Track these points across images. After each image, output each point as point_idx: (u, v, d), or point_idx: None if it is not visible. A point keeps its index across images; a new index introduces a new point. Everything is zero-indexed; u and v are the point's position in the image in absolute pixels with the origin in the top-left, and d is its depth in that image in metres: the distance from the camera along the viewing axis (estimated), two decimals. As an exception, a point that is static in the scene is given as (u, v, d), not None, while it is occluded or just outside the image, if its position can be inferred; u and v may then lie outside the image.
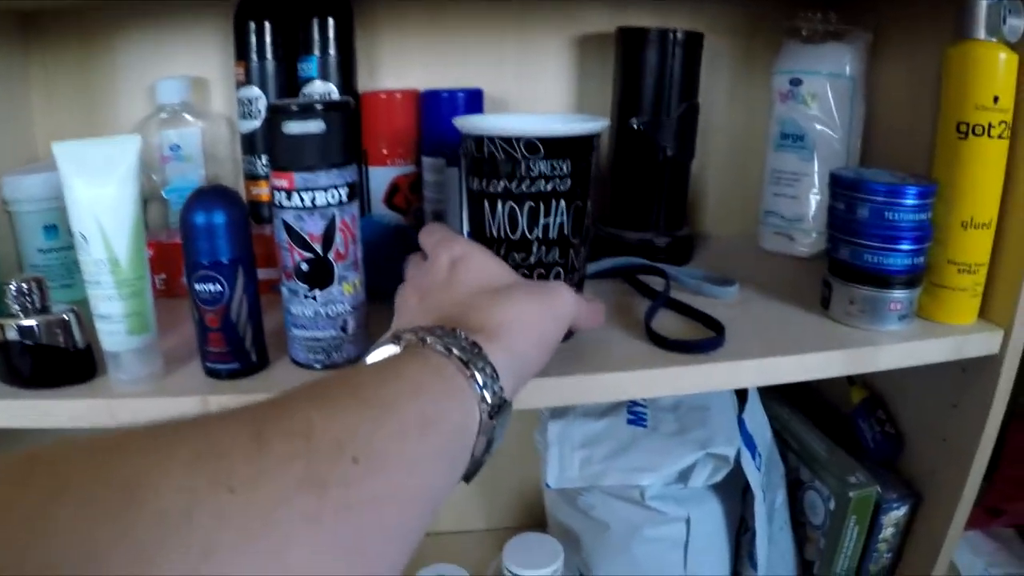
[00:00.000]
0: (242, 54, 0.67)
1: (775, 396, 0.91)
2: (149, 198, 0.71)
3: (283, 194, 0.49)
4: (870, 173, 0.63)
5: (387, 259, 0.63)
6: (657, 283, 0.67)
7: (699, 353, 0.54)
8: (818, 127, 0.76)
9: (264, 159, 0.68)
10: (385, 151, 0.64)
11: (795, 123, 0.77)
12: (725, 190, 0.89)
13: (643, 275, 0.69)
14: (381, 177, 0.65)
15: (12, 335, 0.50)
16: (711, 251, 0.84)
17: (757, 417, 0.75)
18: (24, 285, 0.50)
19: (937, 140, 0.61)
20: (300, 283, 0.51)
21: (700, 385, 0.54)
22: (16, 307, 0.50)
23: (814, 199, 0.77)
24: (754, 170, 0.84)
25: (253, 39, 0.67)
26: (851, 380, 0.87)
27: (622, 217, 0.78)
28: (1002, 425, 1.27)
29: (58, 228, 0.65)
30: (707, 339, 0.55)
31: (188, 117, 0.71)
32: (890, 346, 0.60)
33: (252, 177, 0.70)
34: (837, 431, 0.83)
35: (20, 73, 0.73)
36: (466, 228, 0.54)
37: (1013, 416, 1.17)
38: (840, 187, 0.62)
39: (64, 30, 0.73)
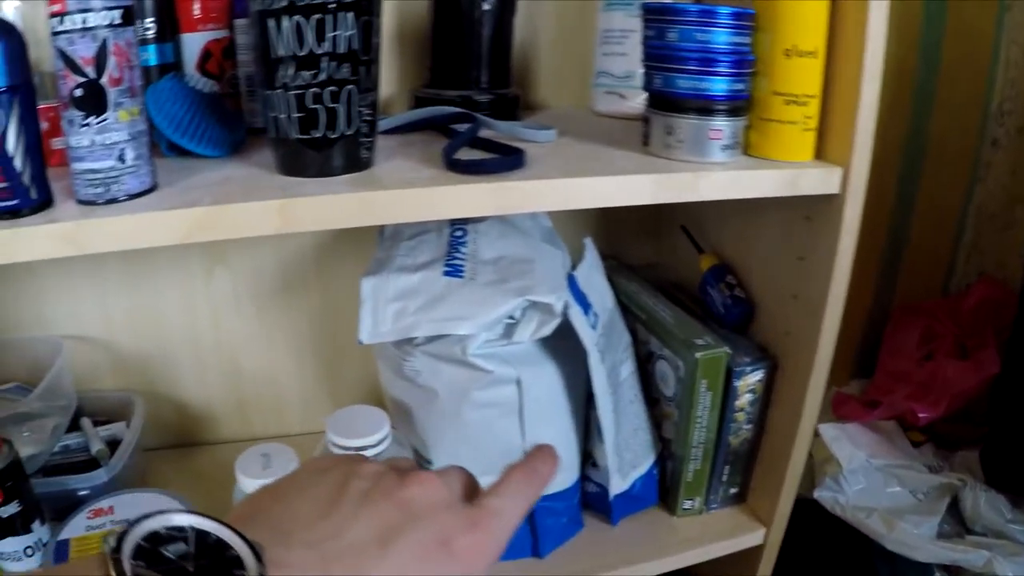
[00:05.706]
0: None
1: (625, 273, 0.93)
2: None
3: (56, 19, 0.48)
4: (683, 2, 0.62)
5: (194, 123, 0.62)
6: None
7: (493, 173, 0.54)
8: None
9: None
10: (198, 15, 0.64)
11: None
12: (558, 58, 0.88)
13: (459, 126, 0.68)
14: (194, 43, 0.64)
15: None
16: (543, 115, 0.83)
17: (595, 280, 0.75)
18: None
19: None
20: (75, 111, 0.50)
21: (497, 205, 0.54)
22: None
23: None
24: (587, 36, 0.82)
25: None
26: (700, 249, 0.88)
27: (443, 78, 0.76)
28: (881, 320, 1.29)
29: None
30: (501, 159, 0.55)
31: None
32: (712, 173, 0.59)
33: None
34: (692, 309, 0.84)
35: None
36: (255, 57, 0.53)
37: (890, 312, 1.20)
38: (650, 14, 0.61)
39: None
